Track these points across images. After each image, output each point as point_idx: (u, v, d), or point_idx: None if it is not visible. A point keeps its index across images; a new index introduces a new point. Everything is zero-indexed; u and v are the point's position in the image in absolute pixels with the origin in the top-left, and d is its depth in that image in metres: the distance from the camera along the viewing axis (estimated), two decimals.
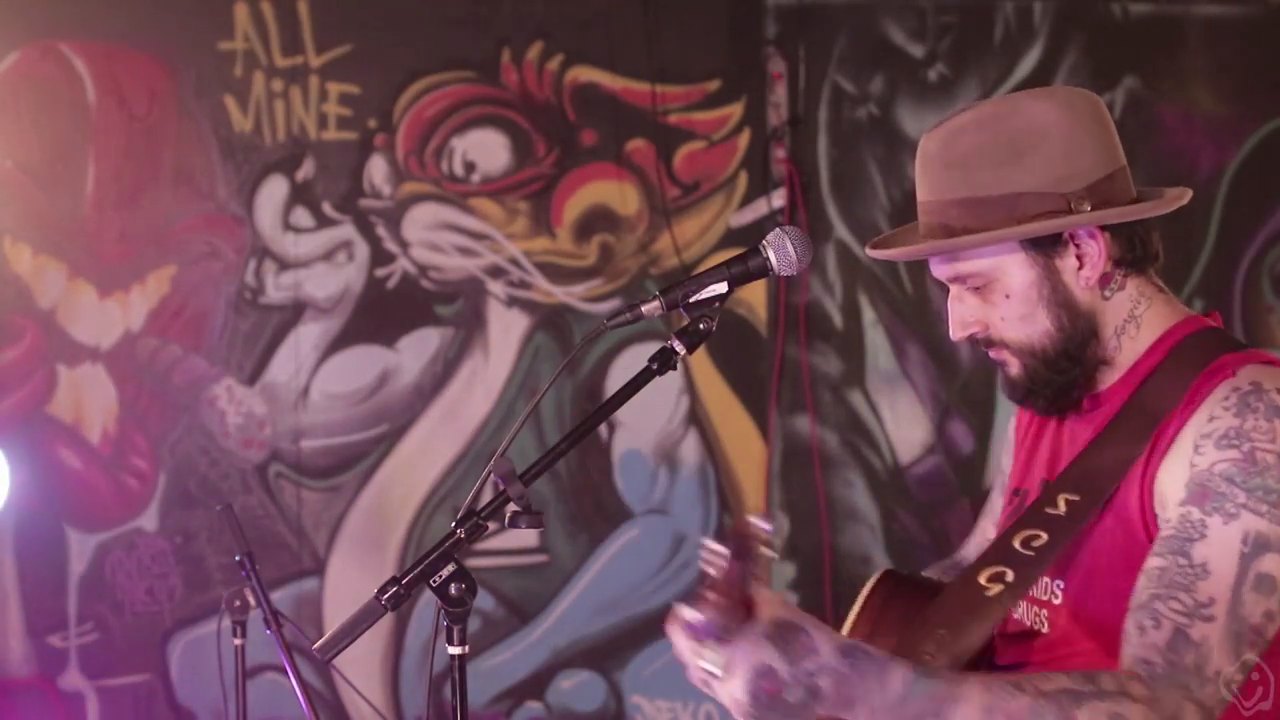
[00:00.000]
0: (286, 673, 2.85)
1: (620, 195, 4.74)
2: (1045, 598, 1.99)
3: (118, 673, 4.54)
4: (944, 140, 1.97)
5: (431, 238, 4.68)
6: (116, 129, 4.51)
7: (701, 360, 4.76)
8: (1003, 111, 1.95)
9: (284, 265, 4.61)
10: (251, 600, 2.96)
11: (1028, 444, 2.15)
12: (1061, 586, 1.96)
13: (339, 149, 4.63)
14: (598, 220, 4.74)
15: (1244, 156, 4.99)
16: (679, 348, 2.00)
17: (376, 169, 4.65)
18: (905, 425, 4.84)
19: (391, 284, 4.66)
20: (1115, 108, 4.93)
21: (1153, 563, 1.78)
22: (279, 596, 4.52)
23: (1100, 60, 4.91)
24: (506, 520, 1.92)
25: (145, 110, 4.53)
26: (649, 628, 4.72)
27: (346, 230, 4.64)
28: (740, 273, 2.03)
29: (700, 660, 1.66)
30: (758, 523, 1.61)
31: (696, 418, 4.78)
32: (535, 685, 4.73)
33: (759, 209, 4.79)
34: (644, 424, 4.74)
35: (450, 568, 1.93)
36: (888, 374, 4.84)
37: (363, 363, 4.66)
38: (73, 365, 4.51)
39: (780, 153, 4.77)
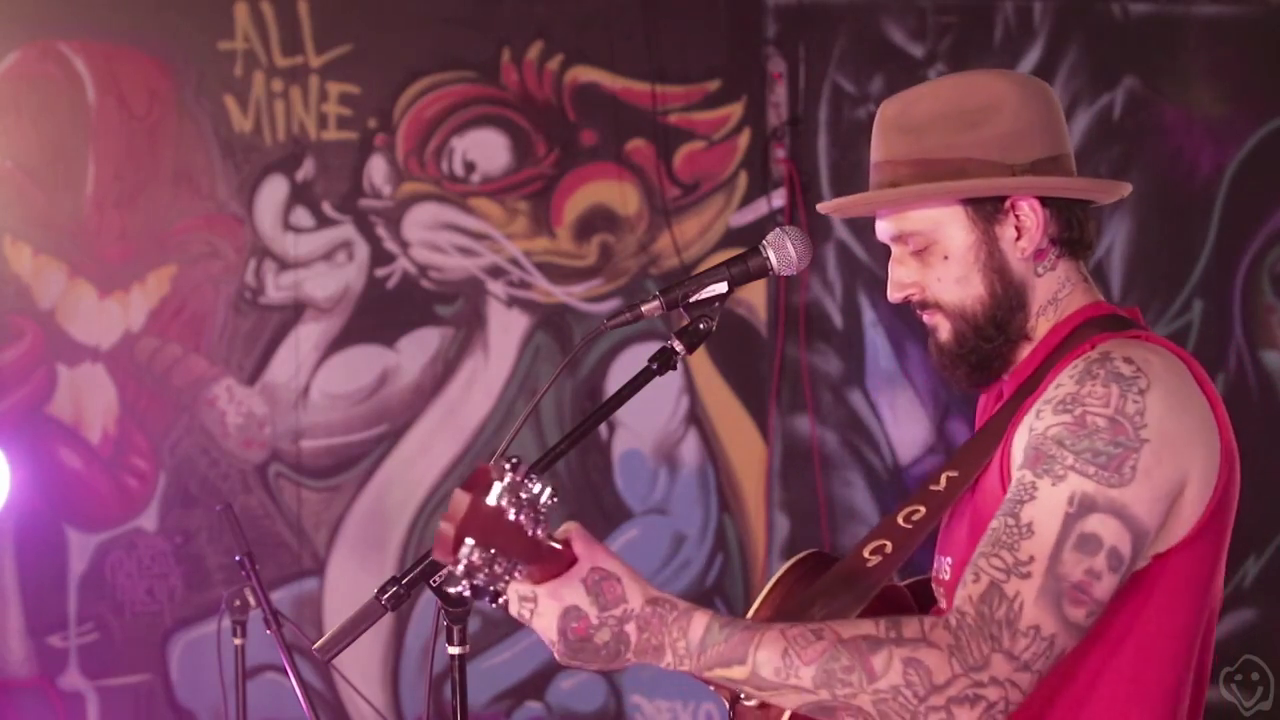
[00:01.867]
0: (286, 673, 2.85)
1: (620, 195, 4.74)
2: (942, 576, 2.06)
3: (118, 673, 4.54)
4: (901, 107, 2.04)
5: (431, 238, 4.68)
6: (116, 129, 4.52)
7: (701, 360, 4.76)
8: (960, 85, 2.03)
9: (284, 265, 4.61)
10: (251, 600, 2.96)
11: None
12: (950, 563, 2.03)
13: (339, 149, 4.63)
14: (598, 220, 4.75)
15: (1244, 156, 4.99)
16: (679, 348, 2.01)
17: (376, 169, 4.65)
18: (905, 425, 4.84)
19: (391, 284, 4.66)
20: (1115, 108, 4.93)
21: (991, 524, 1.83)
22: (279, 596, 4.52)
23: (1100, 60, 4.91)
24: None
25: (145, 110, 4.53)
26: None
27: (346, 230, 4.64)
28: (740, 273, 2.04)
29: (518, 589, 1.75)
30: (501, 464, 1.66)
31: (696, 418, 4.78)
32: (535, 685, 4.73)
33: (759, 209, 4.79)
34: (644, 424, 4.74)
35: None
36: (888, 374, 4.84)
37: (363, 363, 4.66)
38: (73, 365, 4.51)
39: (780, 153, 4.77)
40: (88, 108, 4.51)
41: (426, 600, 2.58)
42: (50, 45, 4.49)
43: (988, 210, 1.99)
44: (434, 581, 1.93)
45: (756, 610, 2.12)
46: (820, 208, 2.15)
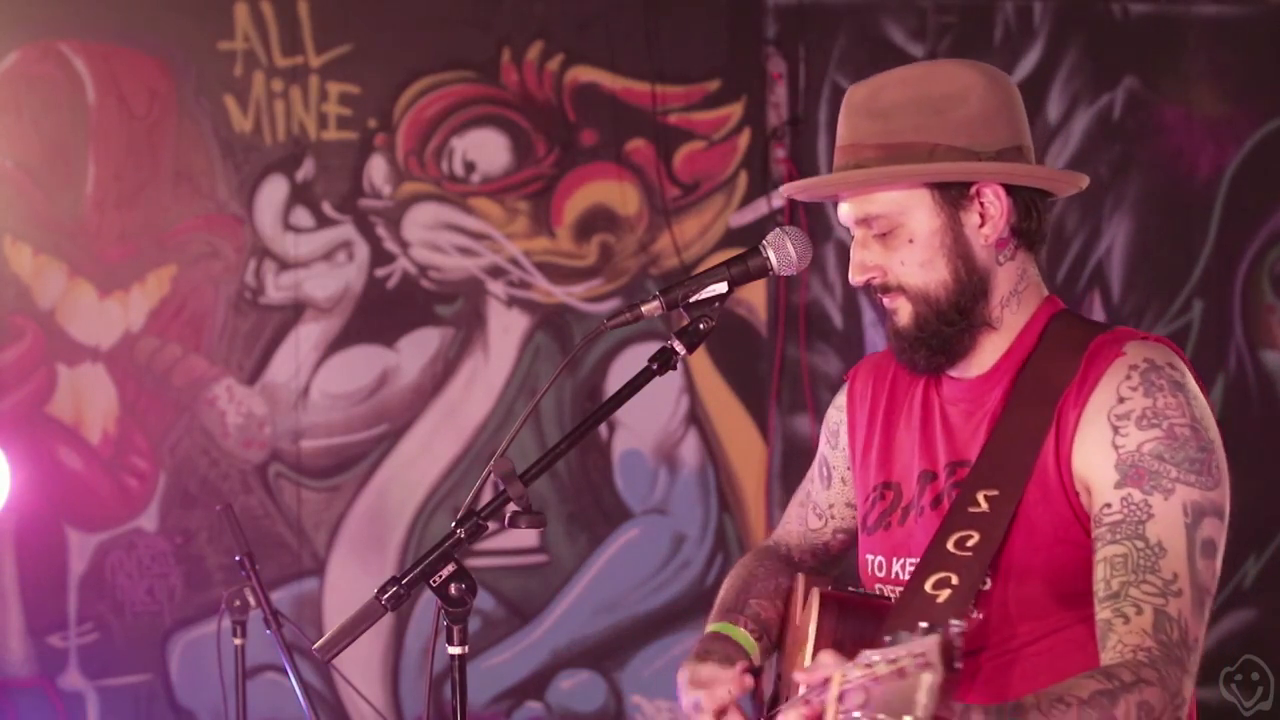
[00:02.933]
0: (286, 673, 2.85)
1: (620, 195, 4.74)
2: (900, 576, 2.06)
3: (118, 673, 4.54)
4: (869, 92, 2.05)
5: (431, 238, 4.68)
6: (116, 129, 4.51)
7: (701, 360, 4.76)
8: (929, 73, 2.06)
9: (284, 265, 4.61)
10: (251, 600, 2.96)
11: (876, 435, 2.18)
12: (912, 564, 2.03)
13: (339, 149, 4.63)
14: (598, 220, 4.74)
15: (1244, 156, 4.99)
16: (679, 348, 2.01)
17: (376, 169, 4.65)
18: None
19: (391, 284, 4.66)
20: (1115, 108, 4.93)
21: (1111, 550, 1.87)
22: (279, 596, 4.52)
23: (1100, 60, 4.91)
24: (506, 520, 1.93)
25: (145, 110, 4.53)
26: (649, 628, 4.73)
27: (346, 230, 4.64)
28: (740, 273, 2.04)
29: None
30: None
31: (696, 418, 4.78)
32: (535, 685, 4.73)
33: (759, 209, 4.79)
34: (644, 424, 4.74)
35: (450, 568, 1.93)
36: None
37: (363, 363, 4.66)
38: (73, 365, 4.51)
39: (780, 153, 4.77)
40: (88, 108, 4.50)
41: (426, 600, 2.58)
42: (50, 45, 4.49)
43: (954, 195, 2.00)
44: (434, 582, 1.93)
45: (813, 652, 2.04)
46: (785, 189, 2.16)
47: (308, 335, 4.62)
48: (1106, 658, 1.83)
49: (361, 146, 4.64)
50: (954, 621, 1.47)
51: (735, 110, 4.77)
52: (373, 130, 4.64)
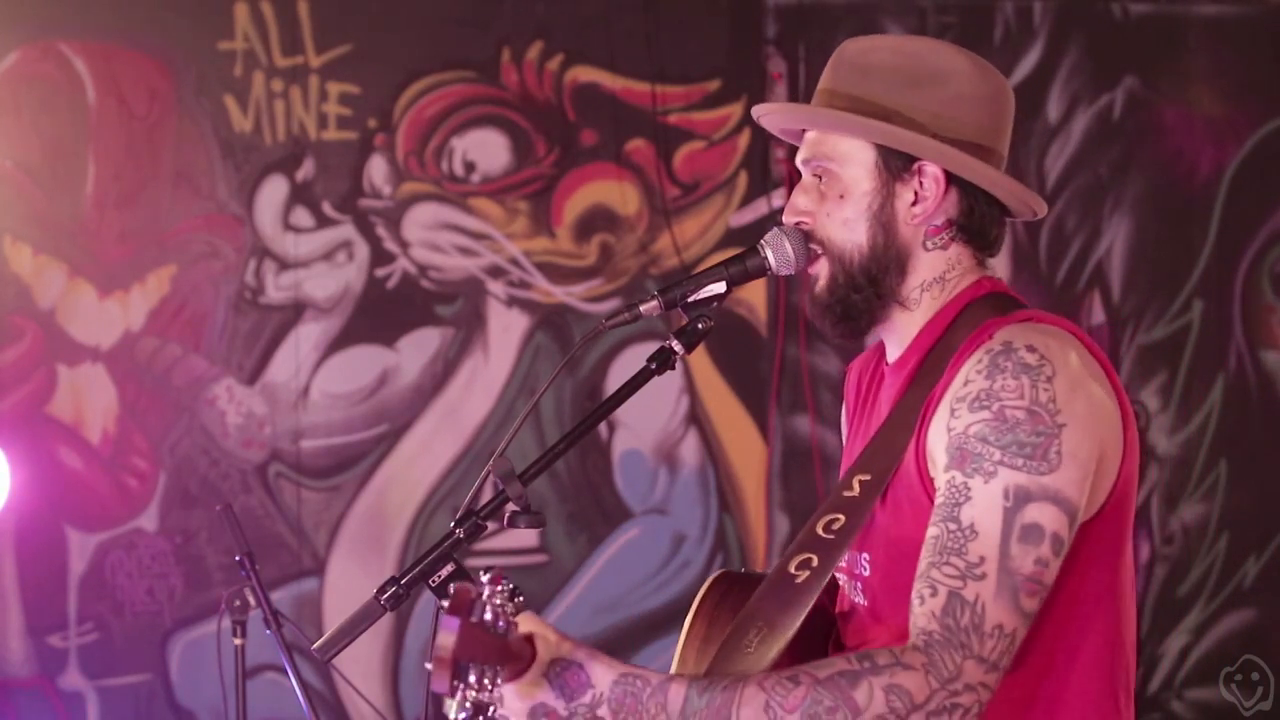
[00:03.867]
0: (286, 673, 2.85)
1: (620, 195, 4.74)
2: (859, 571, 2.05)
3: (118, 673, 4.54)
4: (861, 49, 2.07)
5: (431, 238, 4.68)
6: (116, 129, 4.51)
7: (701, 360, 4.76)
8: (924, 48, 2.06)
9: (284, 265, 4.61)
10: (251, 600, 2.96)
11: (854, 427, 2.21)
12: (868, 559, 2.02)
13: (339, 149, 4.63)
14: (598, 220, 4.75)
15: (1244, 156, 5.00)
16: (677, 347, 2.01)
17: (376, 169, 4.65)
18: None
19: (391, 284, 4.66)
20: (1115, 108, 4.93)
21: (930, 532, 1.85)
22: (279, 596, 4.52)
23: (1100, 60, 4.91)
24: (506, 520, 1.93)
25: (145, 110, 4.53)
26: (649, 628, 4.73)
27: (346, 230, 4.64)
28: (738, 272, 2.04)
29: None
30: (470, 584, 1.64)
31: (696, 418, 4.78)
32: None
33: (759, 209, 4.79)
34: (644, 424, 4.74)
35: (449, 568, 1.93)
36: None
37: (363, 363, 4.66)
38: (73, 365, 4.51)
39: (780, 153, 4.77)
40: (88, 108, 4.50)
41: (426, 600, 2.59)
42: (50, 45, 4.49)
43: (896, 165, 2.00)
44: (433, 582, 1.93)
45: (684, 643, 2.11)
46: (755, 109, 2.17)
47: (308, 335, 4.62)
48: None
49: (361, 146, 4.64)
50: (483, 571, 1.56)
51: (735, 110, 4.77)
52: (373, 130, 4.64)
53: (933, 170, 2.00)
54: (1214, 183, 4.98)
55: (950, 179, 2.00)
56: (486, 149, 4.70)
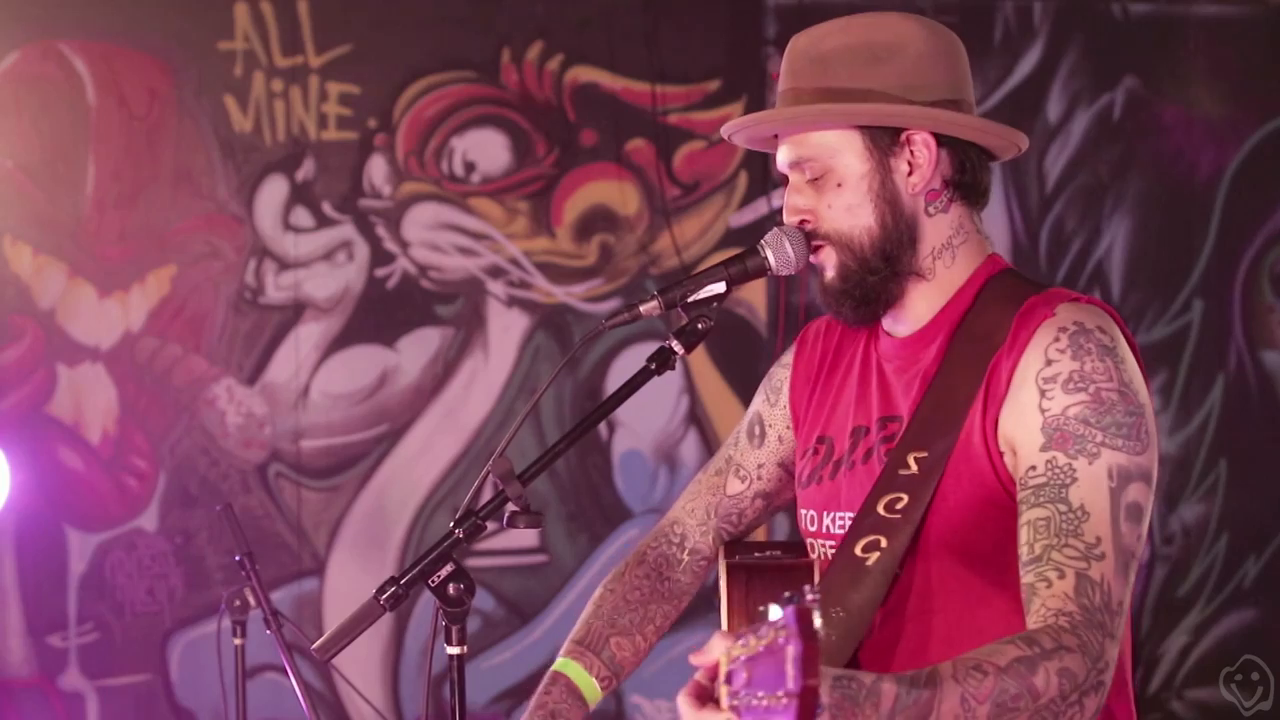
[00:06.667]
0: (286, 673, 2.85)
1: (620, 195, 4.74)
2: (833, 530, 2.07)
3: (118, 673, 4.54)
4: (811, 40, 2.10)
5: (431, 238, 4.68)
6: (116, 129, 4.52)
7: (701, 360, 4.76)
8: (871, 23, 2.07)
9: (284, 265, 4.61)
10: (251, 600, 2.96)
11: (817, 391, 2.21)
12: (849, 517, 2.04)
13: (339, 149, 4.63)
14: (598, 220, 4.75)
15: (1244, 156, 5.00)
16: (677, 347, 2.01)
17: (376, 169, 4.65)
18: None
19: (391, 284, 4.66)
20: (1115, 108, 4.93)
21: (1035, 514, 1.87)
22: (279, 596, 4.52)
23: (1100, 60, 4.91)
24: (505, 520, 1.93)
25: (145, 110, 4.53)
26: None
27: (346, 230, 4.65)
28: (738, 272, 2.04)
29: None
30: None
31: (696, 418, 4.78)
32: (535, 685, 4.70)
33: (759, 209, 4.79)
34: (644, 424, 4.74)
35: (448, 568, 1.93)
36: None
37: (363, 363, 4.66)
38: (73, 365, 4.51)
39: None
40: (88, 108, 4.51)
41: (426, 600, 2.59)
42: (50, 45, 4.49)
43: (884, 141, 2.02)
44: (432, 582, 1.93)
45: (729, 625, 2.07)
46: (724, 128, 2.17)
47: (308, 335, 4.62)
48: (1031, 622, 1.83)
49: (361, 146, 4.64)
50: (808, 588, 1.47)
51: (735, 110, 4.77)
52: (373, 130, 4.64)
53: (921, 136, 2.02)
54: (1214, 183, 4.98)
55: (939, 140, 2.03)
56: (486, 149, 4.70)
